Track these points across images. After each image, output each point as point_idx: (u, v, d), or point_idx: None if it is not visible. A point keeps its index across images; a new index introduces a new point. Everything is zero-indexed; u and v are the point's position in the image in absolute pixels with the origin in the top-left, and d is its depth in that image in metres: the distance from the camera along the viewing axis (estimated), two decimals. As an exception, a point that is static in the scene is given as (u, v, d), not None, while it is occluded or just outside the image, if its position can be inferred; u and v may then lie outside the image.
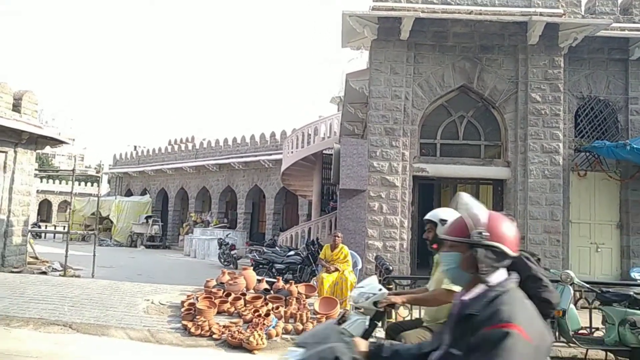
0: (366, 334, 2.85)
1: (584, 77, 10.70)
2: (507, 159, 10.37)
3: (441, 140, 10.69)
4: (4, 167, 12.01)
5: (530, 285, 2.53)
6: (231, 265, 17.98)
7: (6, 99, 11.99)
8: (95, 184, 47.19)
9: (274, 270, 12.08)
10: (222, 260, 18.48)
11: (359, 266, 8.30)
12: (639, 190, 10.37)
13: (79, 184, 46.81)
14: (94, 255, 13.39)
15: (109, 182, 36.76)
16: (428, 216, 3.63)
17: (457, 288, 2.99)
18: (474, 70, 10.40)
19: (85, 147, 69.25)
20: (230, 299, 7.63)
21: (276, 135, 25.12)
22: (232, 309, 7.37)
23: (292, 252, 13.79)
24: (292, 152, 19.55)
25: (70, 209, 30.63)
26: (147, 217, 28.15)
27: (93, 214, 29.97)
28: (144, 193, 32.07)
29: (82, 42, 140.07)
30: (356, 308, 3.10)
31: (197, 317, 6.78)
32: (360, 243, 9.61)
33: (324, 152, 19.40)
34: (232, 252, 18.00)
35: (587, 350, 6.08)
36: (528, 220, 9.86)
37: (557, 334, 5.91)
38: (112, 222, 28.83)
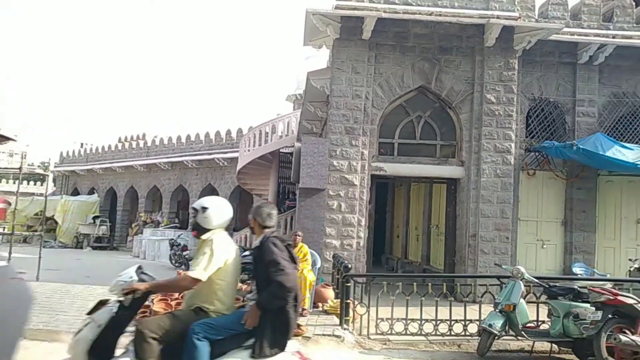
0: (118, 320, 3.17)
1: (536, 80, 11.08)
2: (461, 158, 10.60)
3: (399, 140, 10.81)
4: (-61, 162, 11.22)
5: (270, 270, 3.10)
6: (183, 267, 17.51)
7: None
8: (38, 183, 45.11)
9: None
10: (174, 262, 18.00)
11: (318, 265, 8.26)
12: (583, 189, 10.85)
13: (21, 183, 44.60)
14: (40, 257, 12.72)
15: (54, 180, 35.20)
16: (194, 204, 3.74)
17: (198, 274, 3.15)
18: (433, 71, 10.57)
19: (27, 145, 66.19)
20: (186, 299, 7.40)
21: (232, 133, 24.77)
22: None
23: (247, 252, 13.56)
24: (248, 150, 19.31)
25: (11, 209, 29.18)
26: (95, 218, 27.11)
27: (36, 214, 28.61)
28: (91, 192, 30.89)
29: (21, 34, 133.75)
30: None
31: (153, 318, 6.53)
32: (318, 242, 9.56)
33: (281, 150, 19.29)
34: (184, 253, 17.54)
35: (534, 343, 6.27)
36: (480, 218, 10.10)
37: (507, 327, 6.07)
38: (56, 222, 27.59)
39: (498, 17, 10.16)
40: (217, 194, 25.28)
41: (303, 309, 7.18)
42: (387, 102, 10.54)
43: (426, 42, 10.56)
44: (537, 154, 10.78)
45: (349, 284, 6.91)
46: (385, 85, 10.56)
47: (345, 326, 6.63)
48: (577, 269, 9.02)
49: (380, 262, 15.60)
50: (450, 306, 6.60)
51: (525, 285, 6.33)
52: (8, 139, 13.28)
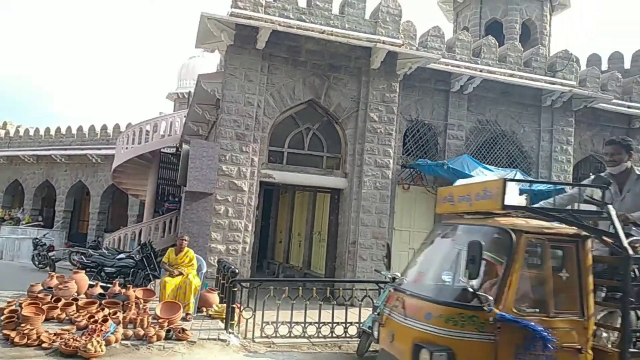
0: None
1: (414, 103, 12.12)
2: (345, 170, 11.22)
3: (288, 149, 11.15)
4: None
5: None
6: (47, 268, 16.14)
7: None
8: None
9: (103, 274, 11.26)
10: (37, 263, 16.55)
11: (204, 270, 8.22)
12: (450, 204, 12.04)
13: None
14: None
15: None
16: None
17: None
18: (322, 87, 11.09)
19: None
20: (60, 304, 6.98)
21: (108, 128, 23.36)
22: (63, 315, 6.76)
23: (122, 255, 12.95)
24: (126, 147, 18.39)
25: None
26: (-63, 211, 23.83)
27: None
28: None
29: None
30: None
31: (22, 325, 6.07)
32: (203, 246, 9.52)
33: (163, 150, 18.69)
34: (50, 254, 16.22)
35: None
36: (360, 227, 10.79)
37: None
38: None
39: (384, 42, 10.97)
40: (88, 192, 23.67)
41: (187, 314, 7.15)
42: (279, 112, 10.84)
43: (317, 58, 11.05)
44: (412, 170, 11.78)
45: (235, 289, 7.02)
46: (277, 95, 10.84)
47: (230, 330, 6.72)
48: (445, 277, 9.98)
49: (262, 267, 15.77)
50: (333, 309, 7.01)
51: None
52: None
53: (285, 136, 11.18)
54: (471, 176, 10.36)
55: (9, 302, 6.95)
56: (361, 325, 6.58)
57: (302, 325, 6.89)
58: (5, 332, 5.92)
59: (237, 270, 7.41)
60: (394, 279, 6.75)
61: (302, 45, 10.89)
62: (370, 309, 6.77)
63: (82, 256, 12.30)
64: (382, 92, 11.32)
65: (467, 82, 12.11)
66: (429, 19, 20.86)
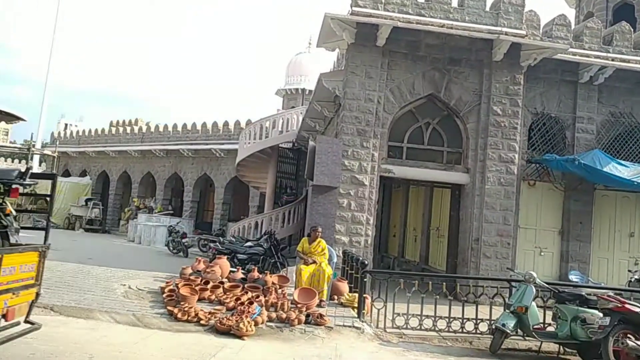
0: None
1: (539, 95, 11.64)
2: (467, 165, 11.11)
3: (408, 144, 11.27)
4: (-46, 139, 11.33)
5: None
6: (181, 254, 17.79)
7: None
8: (23, 162, 44.59)
9: (235, 260, 12.20)
10: (172, 248, 18.22)
11: (334, 260, 8.67)
12: (580, 200, 11.46)
13: (5, 161, 44.06)
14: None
15: (44, 161, 34.90)
16: None
17: None
18: (442, 81, 11.06)
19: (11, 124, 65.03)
20: (209, 286, 7.78)
21: (230, 124, 24.95)
22: (213, 297, 7.53)
23: (249, 243, 13.92)
24: (248, 143, 19.60)
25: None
26: (87, 200, 27.05)
27: (26, 193, 28.42)
28: (83, 174, 30.76)
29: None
30: None
31: (181, 303, 6.90)
32: (329, 238, 9.96)
33: (281, 145, 19.65)
34: (183, 241, 17.81)
35: (541, 343, 6.79)
36: (483, 224, 10.64)
37: (518, 327, 6.59)
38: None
39: (506, 33, 10.67)
40: (212, 184, 25.53)
41: (321, 301, 7.61)
42: (398, 107, 11.00)
43: (437, 52, 11.03)
44: (538, 165, 11.34)
45: (366, 279, 7.35)
46: (396, 91, 11.00)
47: (362, 319, 7.07)
48: (573, 277, 9.61)
49: (375, 260, 16.09)
50: (463, 306, 7.09)
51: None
52: (19, 118, 13.38)
53: (405, 131, 11.31)
54: (605, 172, 9.83)
55: (167, 282, 7.88)
56: (495, 322, 6.60)
57: (433, 318, 7.05)
58: (169, 308, 6.76)
59: (366, 262, 7.74)
60: (529, 277, 6.70)
61: (422, 40, 10.94)
62: (495, 307, 6.78)
63: (217, 243, 13.34)
64: (506, 84, 11.03)
65: (598, 72, 11.39)
66: (547, 5, 19.71)
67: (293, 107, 28.59)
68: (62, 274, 8.36)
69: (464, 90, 11.13)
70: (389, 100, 10.92)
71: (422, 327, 7.00)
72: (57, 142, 22.34)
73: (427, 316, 7.05)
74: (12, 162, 44.98)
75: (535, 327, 6.64)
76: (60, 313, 6.50)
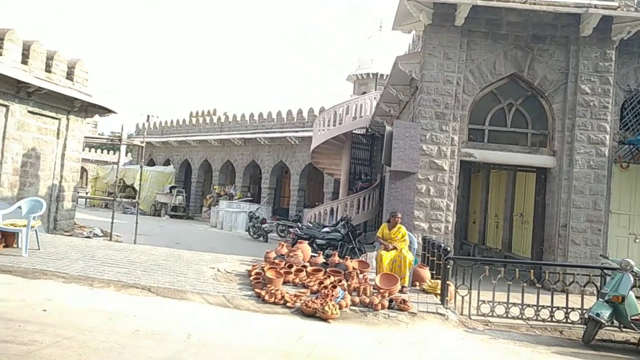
0: None
1: (633, 71, 10.83)
2: (553, 148, 10.60)
3: (489, 127, 10.92)
4: (57, 133, 12.38)
5: None
6: (261, 238, 18.44)
7: (61, 67, 12.28)
8: (111, 152, 47.71)
9: (314, 245, 12.46)
10: (252, 233, 18.92)
11: (415, 246, 8.63)
12: (680, 184, 10.61)
13: (95, 151, 47.30)
14: (137, 223, 13.85)
15: (130, 151, 37.18)
16: None
17: None
18: (525, 60, 10.58)
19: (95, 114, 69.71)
20: (292, 270, 8.02)
21: (303, 112, 25.32)
22: (297, 280, 7.76)
23: (326, 229, 14.17)
24: (322, 130, 19.82)
25: (94, 176, 31.08)
26: (172, 188, 28.59)
27: (116, 181, 30.51)
28: (167, 163, 32.49)
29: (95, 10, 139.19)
30: None
31: (268, 285, 7.16)
32: (408, 224, 9.90)
33: (354, 132, 19.70)
34: (263, 226, 18.44)
35: None
36: (571, 209, 10.14)
37: (613, 318, 6.26)
38: (135, 190, 29.30)
39: (596, 6, 9.96)
40: (288, 171, 26.09)
41: (403, 287, 7.62)
42: (478, 89, 10.67)
43: (519, 30, 10.55)
44: (631, 146, 10.61)
45: (448, 266, 7.27)
46: (476, 71, 10.66)
47: (446, 306, 7.01)
48: None
49: (454, 247, 15.82)
50: (553, 294, 6.84)
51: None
52: (110, 111, 14.37)
53: (486, 113, 10.96)
54: None
55: (253, 266, 8.21)
56: (588, 311, 6.31)
57: (520, 306, 6.86)
58: (256, 290, 7.05)
59: (449, 248, 7.65)
60: (626, 265, 6.34)
61: (503, 18, 10.51)
62: (581, 295, 6.46)
63: (297, 229, 13.69)
64: (595, 61, 10.37)
65: None
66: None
67: (364, 92, 28.47)
68: (156, 258, 8.93)
69: (549, 68, 10.59)
70: (468, 82, 10.62)
71: (509, 315, 6.83)
72: (145, 133, 23.62)
73: (514, 304, 6.87)
74: (102, 152, 48.24)
75: (634, 317, 6.28)
76: (157, 294, 6.94)
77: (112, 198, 15.26)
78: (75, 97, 12.32)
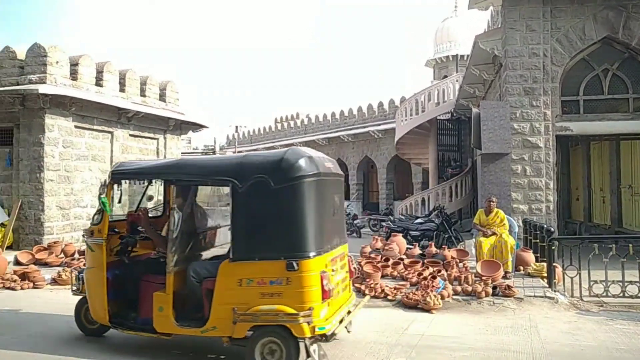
0: None
1: None
2: (660, 111, 9.74)
3: (584, 97, 10.27)
4: (157, 152, 13.31)
5: None
6: (354, 234, 18.55)
7: (154, 90, 13.20)
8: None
9: (408, 237, 12.36)
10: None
11: (515, 229, 8.30)
12: None
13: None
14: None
15: (222, 161, 39.00)
16: None
17: None
18: (619, 20, 9.81)
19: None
20: (389, 263, 8.05)
21: (384, 104, 25.12)
22: (395, 273, 7.78)
23: (419, 220, 14.00)
24: (405, 120, 19.57)
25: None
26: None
27: (213, 193, 32.19)
28: (257, 170, 33.70)
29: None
30: None
31: (367, 280, 7.25)
32: (506, 207, 9.55)
33: (438, 118, 19.24)
34: (356, 222, 18.55)
35: None
36: (689, 175, 9.25)
37: None
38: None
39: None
40: (373, 165, 26.04)
41: (506, 272, 7.37)
42: (568, 58, 10.06)
43: (609, -12, 9.81)
44: None
45: (554, 247, 6.93)
46: (564, 39, 10.05)
47: (554, 288, 6.70)
48: None
49: (559, 227, 14.99)
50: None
51: None
52: (202, 126, 15.21)
53: (579, 83, 10.32)
54: None
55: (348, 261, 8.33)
56: None
57: (638, 285, 6.38)
58: (356, 285, 7.15)
59: (552, 229, 7.30)
60: None
61: (589, -21, 9.82)
62: None
63: (389, 222, 13.67)
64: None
65: None
66: None
67: (445, 76, 27.70)
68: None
69: (648, 25, 9.73)
70: (556, 52, 10.04)
71: (626, 295, 6.38)
72: (236, 143, 24.69)
73: (631, 282, 6.41)
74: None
75: None
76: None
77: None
78: (169, 116, 13.19)
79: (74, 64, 11.10)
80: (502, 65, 10.58)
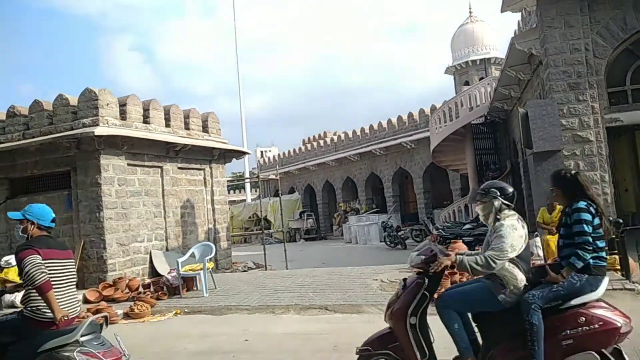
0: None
1: None
2: None
3: (631, 86, 10.15)
4: (204, 182, 13.60)
5: None
6: (399, 246, 18.52)
7: (197, 122, 13.55)
8: (237, 191, 50.83)
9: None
10: (389, 242, 19.08)
11: (579, 225, 8.18)
12: None
13: (228, 192, 50.74)
14: (285, 251, 14.67)
15: (256, 186, 39.40)
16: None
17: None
18: (660, 6, 9.71)
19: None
20: (455, 269, 8.01)
21: (414, 115, 25.16)
22: (464, 279, 7.73)
23: (468, 225, 13.91)
24: (440, 127, 19.58)
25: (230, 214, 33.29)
26: (301, 213, 29.82)
27: (250, 217, 32.61)
28: (291, 191, 33.96)
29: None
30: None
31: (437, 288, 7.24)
32: (562, 204, 9.46)
33: (473, 122, 19.17)
34: (399, 233, 18.52)
35: None
36: None
37: None
38: (268, 221, 30.95)
39: None
40: (408, 175, 25.99)
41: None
42: (611, 49, 9.97)
43: (647, -25, 9.74)
44: None
45: (625, 238, 6.82)
46: (604, 32, 9.98)
47: (632, 280, 6.59)
48: None
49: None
50: None
51: None
52: (244, 153, 15.51)
53: (625, 73, 10.24)
54: None
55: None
56: None
57: None
58: (428, 295, 7.16)
59: (620, 220, 7.19)
60: None
61: (626, -32, 9.78)
62: None
63: (440, 230, 13.62)
64: None
65: None
66: None
67: (467, 81, 27.66)
68: (319, 278, 9.43)
69: (692, 7, 9.61)
70: (598, 45, 9.97)
71: None
72: (268, 167, 24.96)
73: None
74: (229, 192, 51.63)
75: None
76: (334, 311, 7.34)
77: (260, 231, 16.30)
78: (213, 146, 13.50)
79: (122, 105, 11.50)
80: (543, 63, 10.56)
